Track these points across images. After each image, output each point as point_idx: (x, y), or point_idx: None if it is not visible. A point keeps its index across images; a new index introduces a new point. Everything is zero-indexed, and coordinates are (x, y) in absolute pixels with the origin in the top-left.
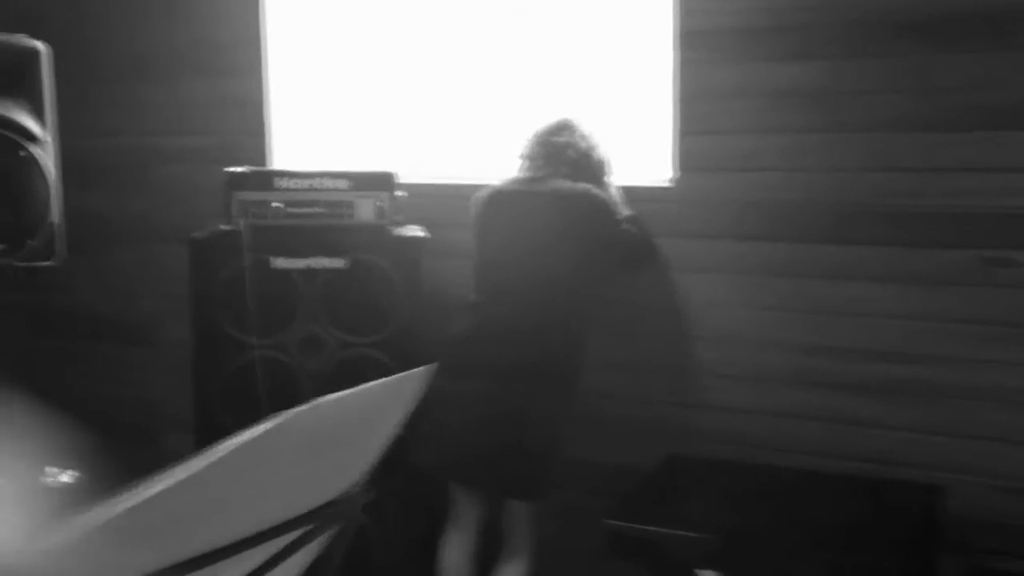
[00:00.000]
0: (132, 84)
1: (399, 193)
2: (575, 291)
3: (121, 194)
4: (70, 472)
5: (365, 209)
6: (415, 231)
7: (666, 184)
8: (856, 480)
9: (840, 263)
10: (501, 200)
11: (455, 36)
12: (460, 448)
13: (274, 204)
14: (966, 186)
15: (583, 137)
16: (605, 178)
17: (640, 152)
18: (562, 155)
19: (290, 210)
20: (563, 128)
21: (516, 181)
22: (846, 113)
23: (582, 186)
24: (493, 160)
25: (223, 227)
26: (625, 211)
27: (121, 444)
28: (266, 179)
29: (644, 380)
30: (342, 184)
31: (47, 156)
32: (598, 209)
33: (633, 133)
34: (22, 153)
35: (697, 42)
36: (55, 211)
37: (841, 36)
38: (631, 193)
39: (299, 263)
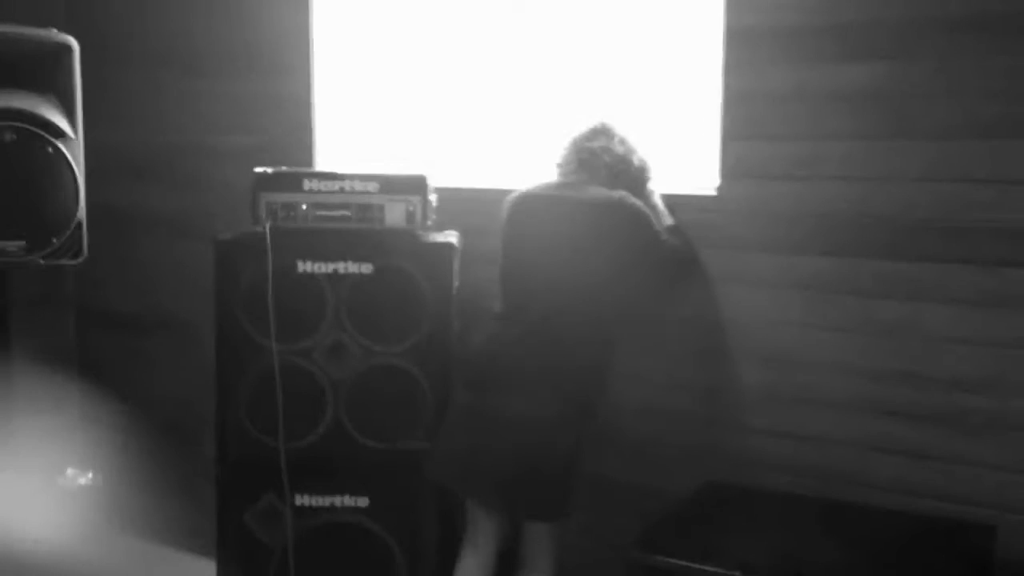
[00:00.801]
0: (181, 81)
1: (432, 197)
2: (605, 304)
3: (169, 192)
4: (88, 474)
5: (395, 213)
6: (447, 237)
7: (711, 192)
8: (908, 516)
9: (897, 281)
10: (531, 204)
11: (499, 36)
12: (478, 465)
13: (302, 206)
14: None
15: (621, 142)
16: (646, 185)
17: (685, 158)
18: (597, 161)
19: (318, 213)
20: (599, 133)
21: (549, 186)
22: (908, 118)
23: (618, 194)
24: (534, 165)
25: (252, 229)
26: (668, 221)
27: (157, 444)
28: (294, 180)
29: (685, 399)
30: (372, 187)
31: (75, 153)
32: (633, 218)
33: (678, 137)
34: (50, 150)
35: (747, 41)
36: (82, 209)
37: (903, 34)
38: (673, 201)
39: (326, 267)
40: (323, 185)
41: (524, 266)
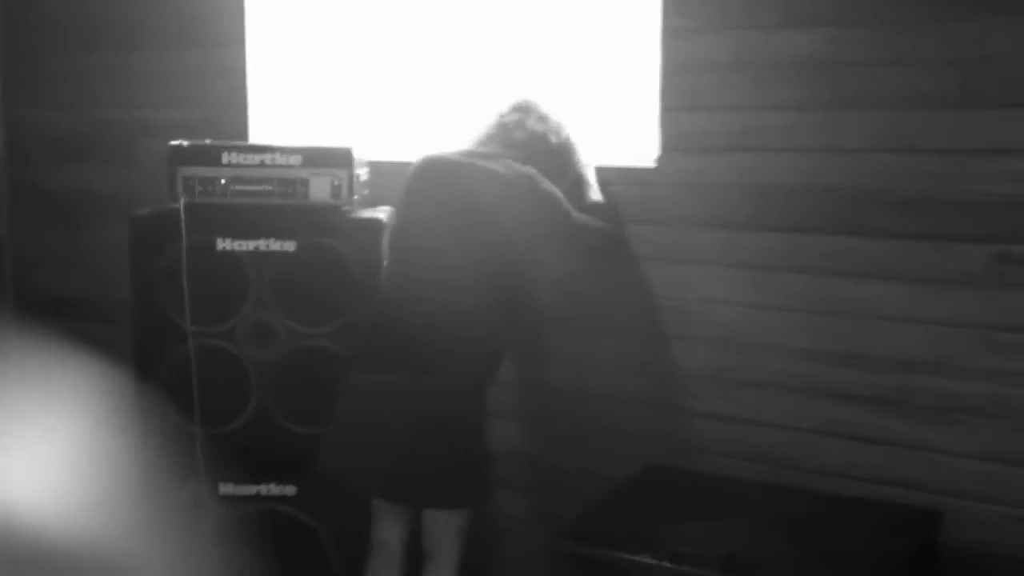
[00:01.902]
0: (112, 54)
1: (360, 171)
2: (504, 277)
3: (102, 170)
4: None
5: (320, 188)
6: (377, 213)
7: (649, 165)
8: (853, 501)
9: (844, 257)
10: (436, 169)
11: (432, 6)
12: (370, 451)
13: (221, 181)
14: (993, 171)
15: (540, 119)
16: (569, 165)
17: (622, 130)
18: (510, 136)
19: (238, 188)
20: (517, 109)
21: (457, 152)
22: (853, 87)
23: (525, 169)
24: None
25: (170, 206)
26: (595, 198)
27: None
28: (212, 153)
29: (626, 382)
30: (295, 160)
31: None
32: (535, 195)
33: (616, 108)
34: None
35: (685, 7)
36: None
37: None
38: (610, 174)
39: (247, 245)
40: (243, 158)
41: (419, 233)
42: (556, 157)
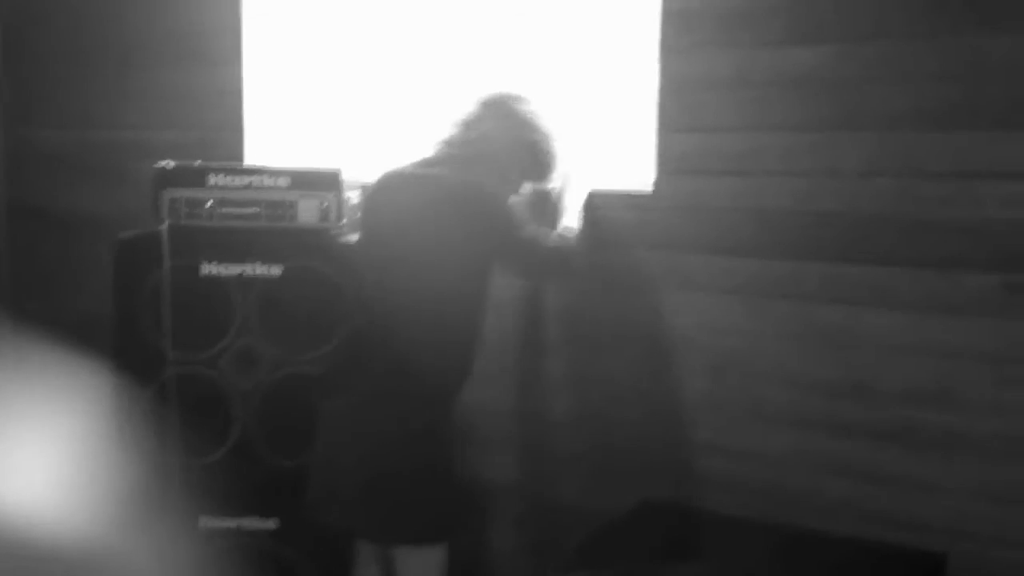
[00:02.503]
0: (112, 74)
1: (350, 194)
2: (456, 300)
3: (101, 190)
4: None
5: (308, 211)
6: None
7: (646, 189)
8: (854, 542)
9: (844, 284)
10: (392, 185)
11: (427, 25)
12: (337, 482)
13: (207, 203)
14: (999, 195)
15: (506, 115)
16: (538, 168)
17: (619, 152)
18: (467, 136)
19: (224, 210)
20: (484, 104)
21: (414, 164)
22: (855, 107)
23: (472, 180)
24: None
25: (156, 228)
26: (564, 215)
27: None
28: (198, 175)
29: (620, 411)
30: (283, 182)
31: None
32: (483, 206)
33: (612, 129)
34: None
35: (682, 24)
36: None
37: (852, 14)
38: (606, 199)
39: (232, 269)
40: (230, 180)
41: (376, 253)
42: (516, 158)
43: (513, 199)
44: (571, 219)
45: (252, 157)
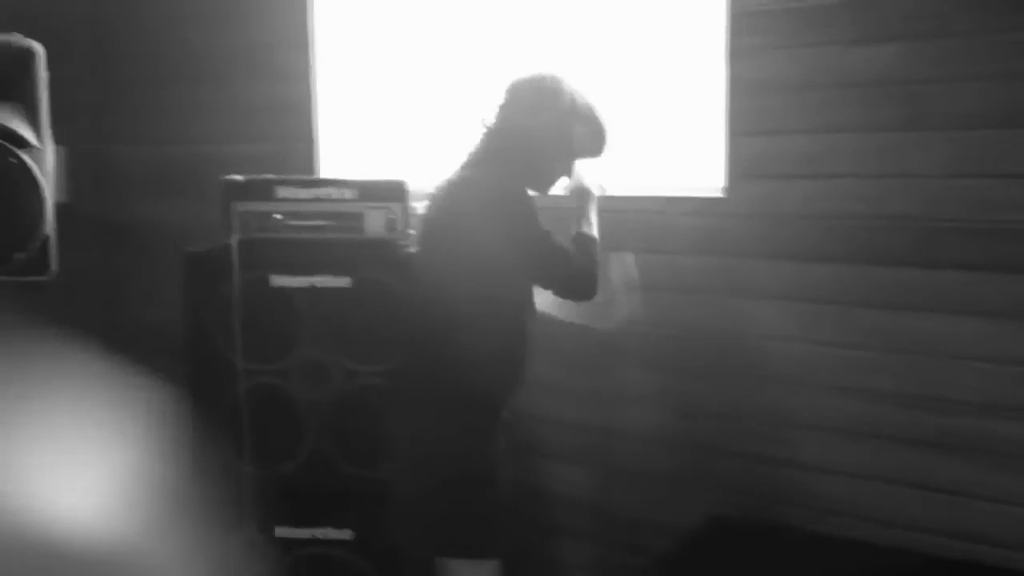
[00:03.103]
0: (187, 90)
1: (415, 204)
2: (485, 305)
3: (179, 204)
4: None
5: (375, 222)
6: None
7: (717, 195)
8: (933, 560)
9: (920, 290)
10: (435, 192)
11: (495, 31)
12: (396, 494)
13: (275, 216)
14: None
15: (541, 101)
16: (582, 153)
17: (688, 156)
18: (502, 127)
19: (292, 223)
20: (516, 89)
21: (460, 164)
22: (930, 106)
23: (495, 181)
24: None
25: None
26: (587, 208)
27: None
28: (266, 188)
29: (686, 423)
30: (349, 194)
31: (42, 163)
32: (501, 211)
33: (682, 133)
34: (13, 160)
35: (749, 26)
36: (48, 222)
37: (917, 13)
38: (676, 204)
39: (301, 281)
40: (297, 193)
41: (417, 263)
42: (554, 141)
43: (552, 190)
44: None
45: (325, 168)
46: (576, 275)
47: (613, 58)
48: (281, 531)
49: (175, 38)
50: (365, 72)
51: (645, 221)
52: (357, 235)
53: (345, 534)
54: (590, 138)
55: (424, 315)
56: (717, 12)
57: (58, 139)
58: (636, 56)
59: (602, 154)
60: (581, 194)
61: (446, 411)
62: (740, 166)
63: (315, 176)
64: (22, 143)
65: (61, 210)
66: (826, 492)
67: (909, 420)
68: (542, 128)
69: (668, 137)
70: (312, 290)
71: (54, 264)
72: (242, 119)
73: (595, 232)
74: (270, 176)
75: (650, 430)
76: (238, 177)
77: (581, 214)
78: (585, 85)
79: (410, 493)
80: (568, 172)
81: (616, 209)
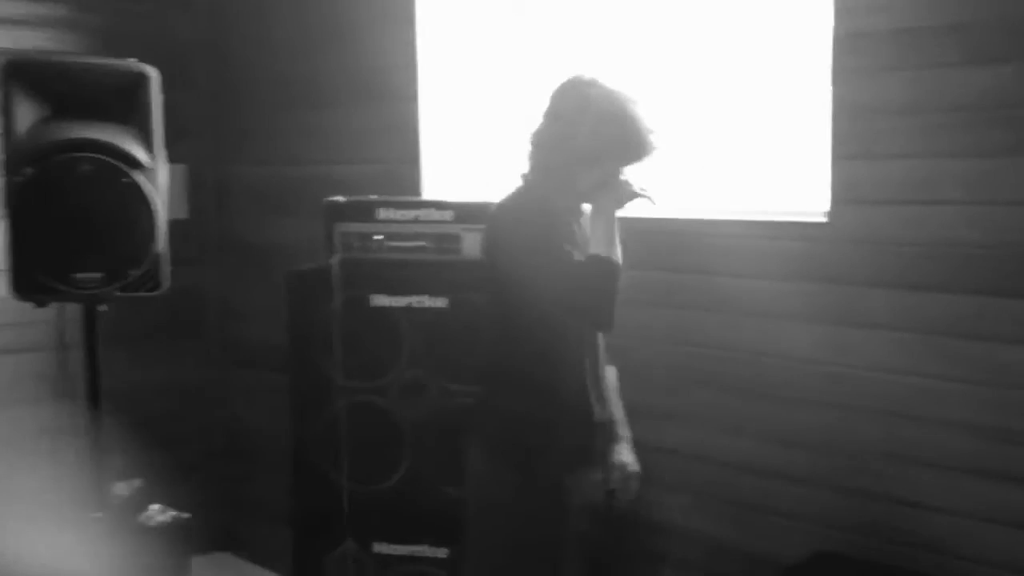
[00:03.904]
0: (302, 113)
1: None
2: (500, 323)
3: (294, 223)
4: (170, 512)
5: (473, 243)
6: None
7: (819, 219)
8: None
9: None
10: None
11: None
12: None
13: (375, 237)
14: None
15: (553, 108)
16: (628, 158)
17: (791, 179)
18: (543, 138)
19: (392, 244)
20: (560, 96)
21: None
22: None
23: (508, 202)
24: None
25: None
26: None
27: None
28: (367, 210)
29: (789, 455)
30: (447, 216)
31: (153, 183)
32: (504, 232)
33: (784, 157)
34: (126, 180)
35: (854, 47)
36: (160, 240)
37: None
38: (777, 229)
39: (400, 301)
40: (397, 214)
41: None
42: (597, 146)
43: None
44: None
45: (429, 190)
46: (585, 295)
47: (717, 80)
48: (379, 547)
49: (290, 63)
50: (468, 93)
51: (745, 246)
52: (455, 256)
53: (441, 552)
54: (622, 142)
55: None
56: (822, 33)
57: (179, 159)
58: (740, 77)
59: (641, 160)
60: (599, 211)
61: (476, 429)
62: (843, 190)
63: (416, 198)
64: (135, 163)
65: (181, 226)
66: (937, 532)
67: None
68: (570, 133)
69: (770, 160)
70: (410, 310)
71: (166, 280)
72: (351, 141)
73: (616, 252)
74: (370, 197)
75: (751, 459)
76: (340, 199)
77: (597, 233)
78: (630, 86)
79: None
80: (604, 179)
81: (716, 233)
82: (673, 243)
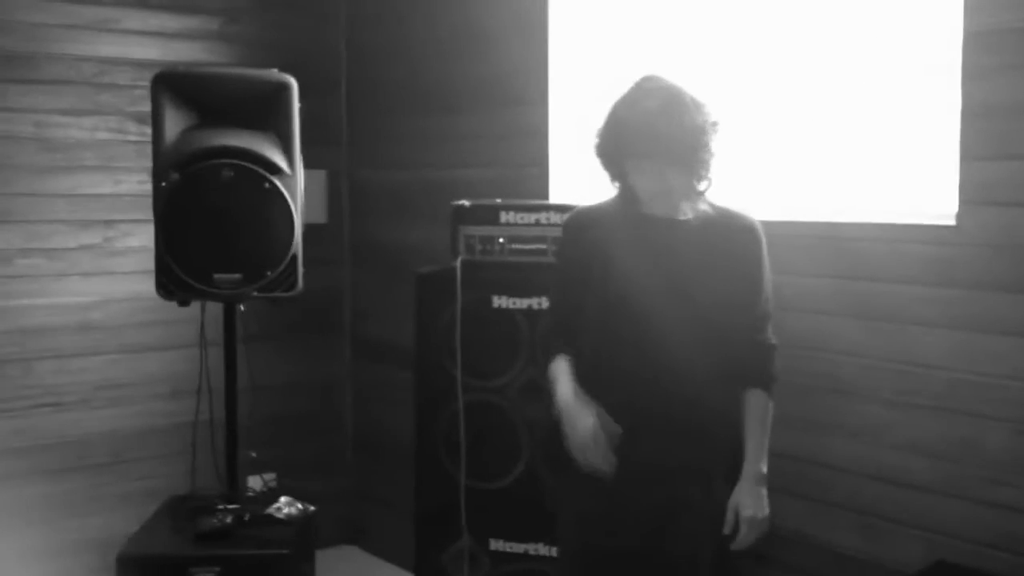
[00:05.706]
0: (436, 119)
1: None
2: None
3: (427, 226)
4: (297, 504)
5: None
6: None
7: (949, 222)
8: None
9: None
10: None
11: (723, 52)
12: None
13: (499, 239)
14: None
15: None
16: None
17: (920, 181)
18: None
19: (514, 246)
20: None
21: None
22: None
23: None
24: (762, 191)
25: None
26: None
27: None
28: (491, 213)
29: (914, 462)
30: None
31: (292, 188)
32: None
33: (912, 158)
34: (266, 186)
35: (986, 45)
36: (297, 243)
37: None
38: (904, 232)
39: (521, 303)
40: (519, 217)
41: None
42: (681, 148)
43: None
44: None
45: (556, 193)
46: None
47: (846, 78)
48: (495, 543)
49: (424, 70)
50: (595, 97)
51: (871, 249)
52: None
53: (555, 551)
54: (610, 133)
55: None
56: (952, 31)
57: (318, 164)
58: (867, 76)
59: (636, 150)
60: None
61: None
62: (973, 192)
63: (538, 201)
64: (275, 169)
65: (318, 230)
66: None
67: None
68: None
69: (898, 162)
70: (531, 311)
71: (300, 281)
72: (482, 145)
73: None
74: (494, 201)
75: (871, 466)
76: (465, 202)
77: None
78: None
79: None
80: (653, 183)
81: (841, 236)
82: (803, 246)
